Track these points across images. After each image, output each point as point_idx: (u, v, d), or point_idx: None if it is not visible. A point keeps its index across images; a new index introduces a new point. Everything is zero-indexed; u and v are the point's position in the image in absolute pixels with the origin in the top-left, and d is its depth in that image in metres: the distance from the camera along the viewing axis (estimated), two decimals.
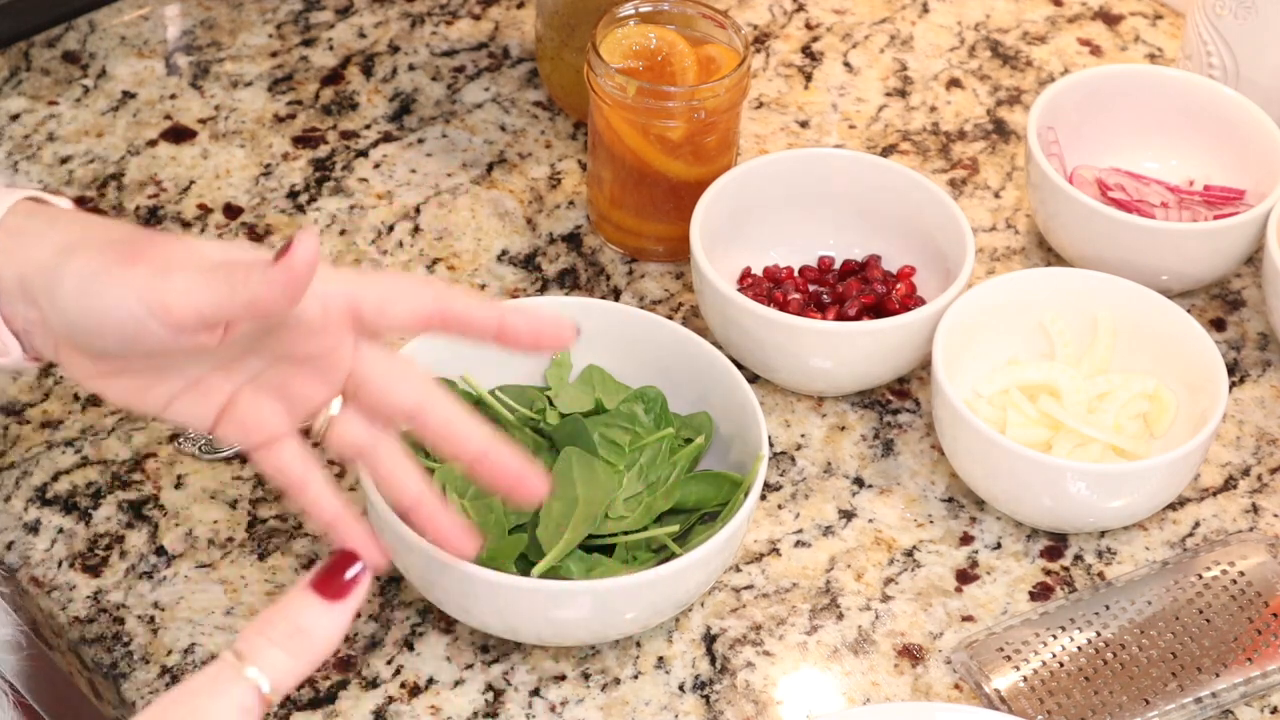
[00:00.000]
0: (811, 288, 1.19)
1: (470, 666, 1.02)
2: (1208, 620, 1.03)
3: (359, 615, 1.04)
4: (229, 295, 0.83)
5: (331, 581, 0.76)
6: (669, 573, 0.97)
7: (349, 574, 0.77)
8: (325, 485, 0.89)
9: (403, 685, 1.01)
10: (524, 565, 1.00)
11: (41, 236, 0.86)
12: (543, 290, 1.20)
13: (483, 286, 1.20)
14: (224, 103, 1.30)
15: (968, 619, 1.05)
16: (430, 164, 1.27)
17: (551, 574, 0.99)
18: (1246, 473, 1.13)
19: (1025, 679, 1.01)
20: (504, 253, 1.22)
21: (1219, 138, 1.24)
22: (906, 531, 1.09)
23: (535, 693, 1.01)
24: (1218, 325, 1.21)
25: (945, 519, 1.10)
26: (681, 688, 1.02)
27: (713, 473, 1.05)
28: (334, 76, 1.33)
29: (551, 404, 1.07)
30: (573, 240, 1.23)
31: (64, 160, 1.26)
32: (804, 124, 1.31)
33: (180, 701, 0.74)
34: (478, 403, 1.07)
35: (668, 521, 1.04)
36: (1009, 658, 1.02)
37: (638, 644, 1.03)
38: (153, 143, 1.27)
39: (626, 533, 1.02)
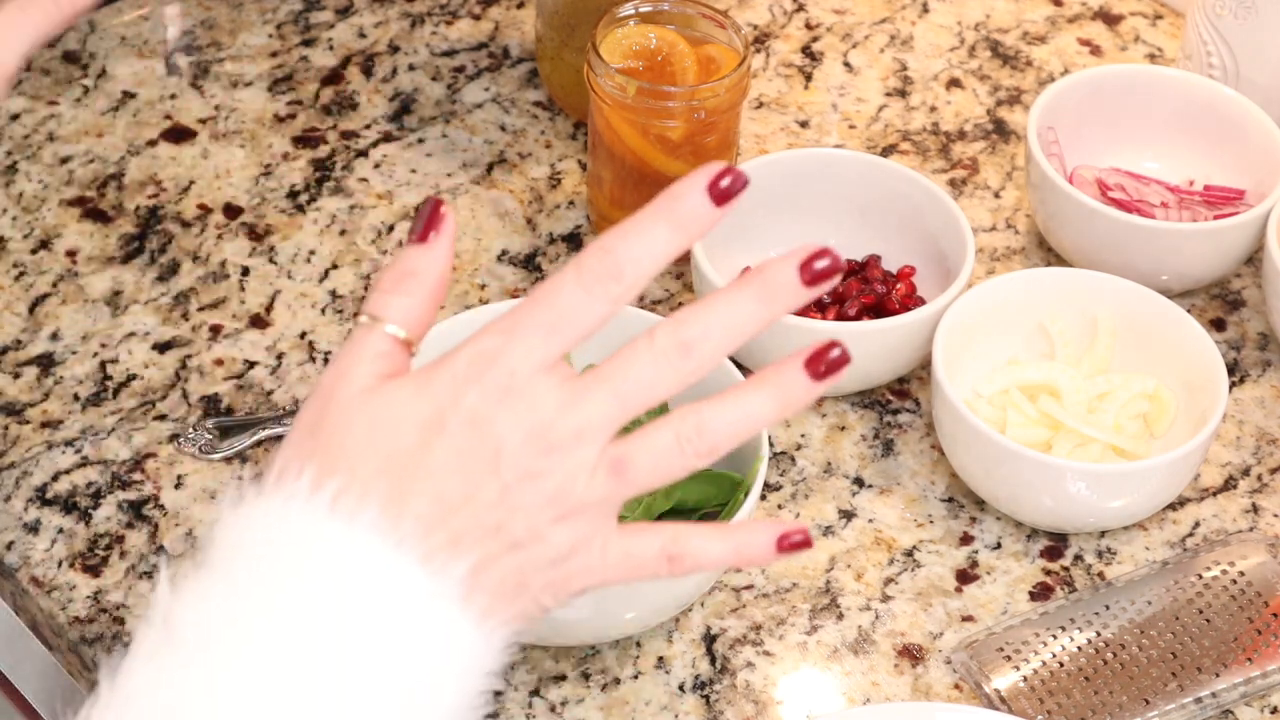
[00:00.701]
0: None
1: None
2: (1208, 620, 1.03)
3: None
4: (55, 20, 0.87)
5: (425, 226, 0.76)
6: None
7: (440, 213, 0.76)
8: None
9: None
10: None
11: None
12: None
13: (483, 286, 1.20)
14: (224, 103, 1.30)
15: (968, 619, 1.05)
16: (430, 164, 1.27)
17: None
18: (1246, 473, 1.13)
19: (1025, 679, 1.01)
20: (504, 253, 1.22)
21: (1219, 138, 1.24)
22: (906, 531, 1.09)
23: (535, 693, 1.01)
24: (1218, 325, 1.21)
25: (945, 519, 1.10)
26: (681, 688, 1.02)
27: (713, 472, 1.05)
28: (334, 76, 1.33)
29: None
30: (573, 240, 1.23)
31: (64, 160, 1.26)
32: (804, 124, 1.31)
33: (329, 372, 0.75)
34: None
35: (668, 519, 1.04)
36: (1009, 658, 1.02)
37: (638, 644, 1.03)
38: (153, 143, 1.27)
39: None
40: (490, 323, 0.75)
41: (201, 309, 1.18)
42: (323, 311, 1.18)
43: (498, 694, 1.01)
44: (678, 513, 1.04)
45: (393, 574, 0.71)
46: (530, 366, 0.73)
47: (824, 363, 0.74)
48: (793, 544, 0.75)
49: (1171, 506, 1.11)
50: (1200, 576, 1.05)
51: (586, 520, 0.74)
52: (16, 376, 1.14)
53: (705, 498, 1.04)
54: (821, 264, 0.74)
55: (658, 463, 0.73)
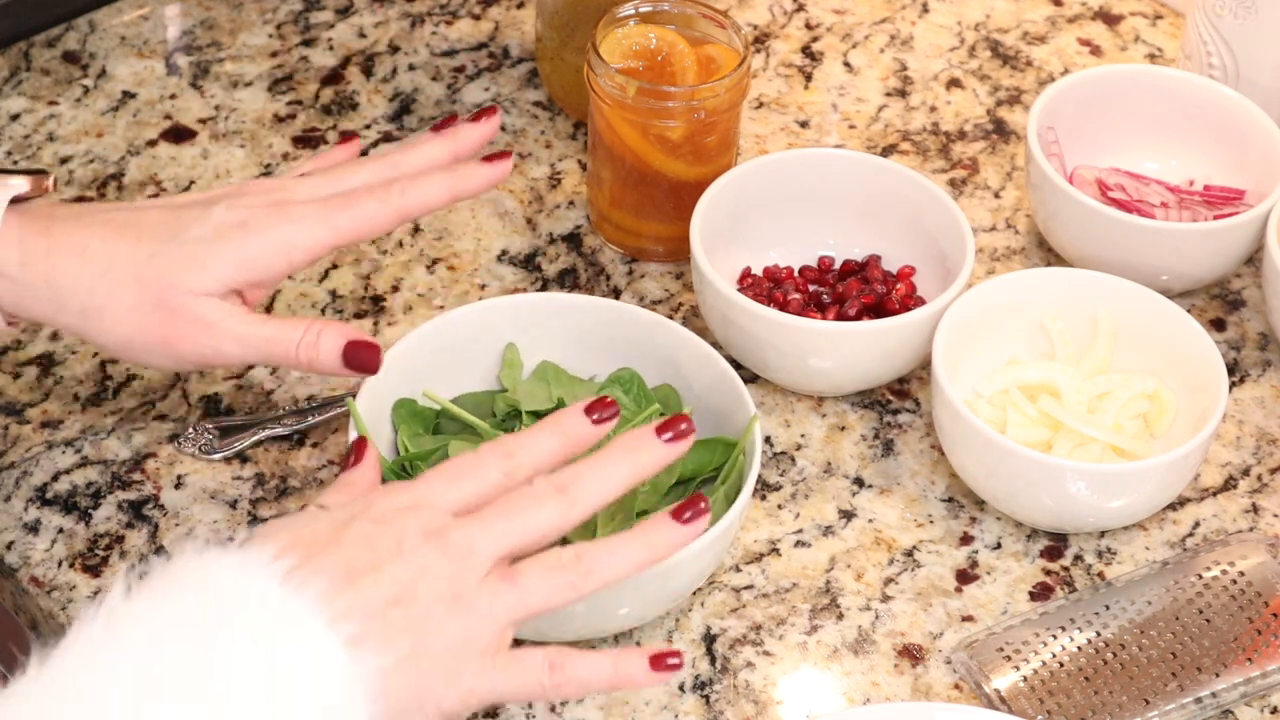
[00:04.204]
0: (811, 288, 1.19)
1: None
2: (1208, 620, 1.03)
3: None
4: (290, 366, 1.00)
5: (354, 459, 0.95)
6: (660, 568, 0.97)
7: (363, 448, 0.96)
8: None
9: None
10: None
11: (32, 288, 0.99)
12: (543, 290, 1.20)
13: (483, 286, 1.20)
14: (224, 103, 1.30)
15: (968, 619, 1.05)
16: None
17: None
18: (1246, 473, 1.13)
19: (1025, 679, 1.01)
20: (504, 253, 1.22)
21: (1219, 138, 1.24)
22: (906, 531, 1.09)
23: None
24: (1218, 325, 1.21)
25: (945, 519, 1.10)
26: (681, 688, 1.02)
27: (706, 439, 1.06)
28: (334, 76, 1.33)
29: (516, 409, 1.07)
30: (573, 240, 1.23)
31: (64, 160, 1.26)
32: (804, 124, 1.31)
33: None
34: (443, 415, 1.07)
35: (673, 494, 1.05)
36: (1009, 658, 1.02)
37: (638, 644, 1.03)
38: (153, 143, 1.27)
39: (642, 513, 1.03)
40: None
41: None
42: (323, 311, 1.18)
43: None
44: (677, 483, 1.05)
45: (308, 640, 0.80)
46: (433, 499, 0.86)
47: (690, 511, 0.88)
48: (668, 665, 0.87)
49: (1171, 506, 1.11)
50: (1200, 576, 1.05)
51: (477, 621, 0.84)
52: (16, 376, 1.14)
53: (701, 464, 1.05)
54: (682, 426, 0.89)
55: (547, 581, 0.85)
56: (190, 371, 1.10)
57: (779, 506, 1.10)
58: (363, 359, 0.99)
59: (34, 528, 1.07)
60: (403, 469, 1.04)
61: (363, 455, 0.92)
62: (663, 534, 0.87)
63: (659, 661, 0.87)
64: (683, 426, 0.89)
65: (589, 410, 0.90)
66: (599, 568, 0.85)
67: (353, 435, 0.98)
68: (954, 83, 1.35)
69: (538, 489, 0.86)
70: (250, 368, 1.14)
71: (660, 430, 0.89)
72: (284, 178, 1.05)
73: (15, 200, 1.00)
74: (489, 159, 1.06)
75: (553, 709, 1.01)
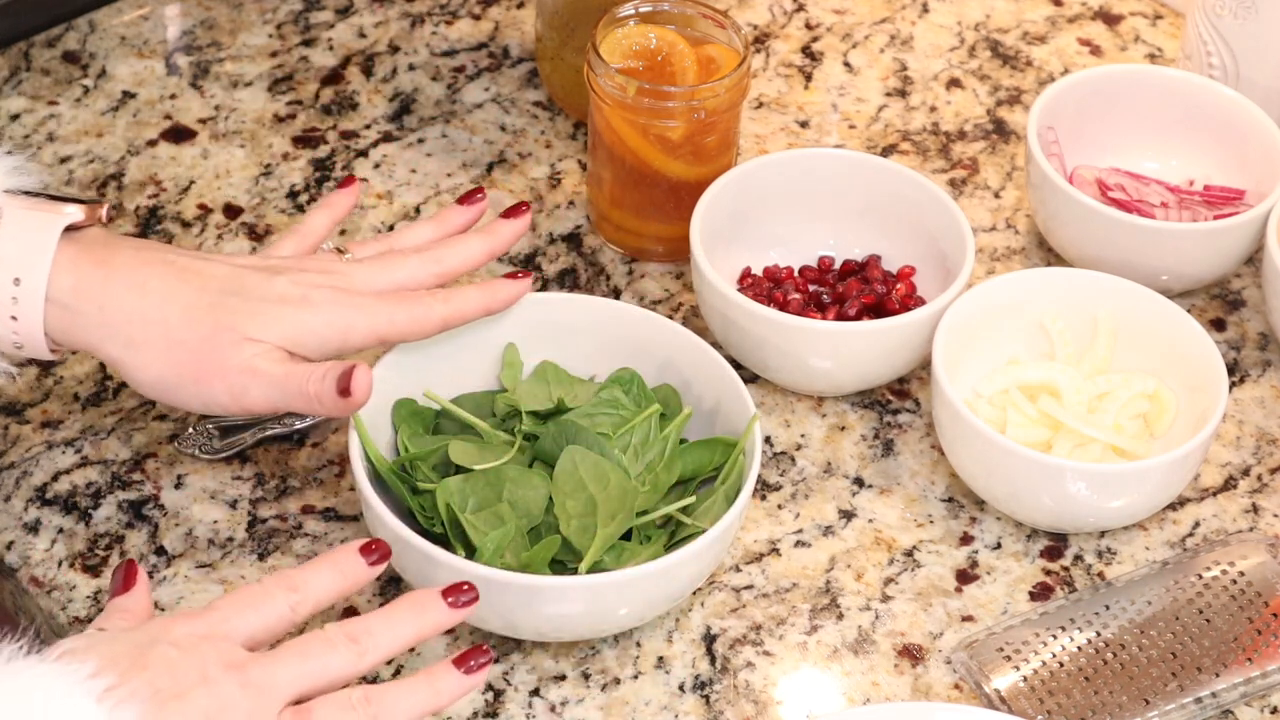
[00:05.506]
0: (811, 288, 1.19)
1: None
2: (1208, 620, 1.03)
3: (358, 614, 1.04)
4: (300, 405, 1.00)
5: (124, 585, 0.94)
6: (659, 568, 0.97)
7: (132, 574, 0.95)
8: None
9: None
10: (558, 568, 1.02)
11: (83, 315, 1.01)
12: (543, 290, 1.20)
13: None
14: (224, 103, 1.30)
15: (968, 619, 1.05)
16: (430, 164, 1.27)
17: (593, 568, 1.00)
18: (1246, 473, 1.13)
19: (1025, 679, 1.01)
20: (504, 253, 1.22)
21: (1219, 138, 1.24)
22: (906, 531, 1.09)
23: (535, 693, 1.01)
24: (1218, 325, 1.21)
25: (945, 519, 1.10)
26: (681, 688, 1.02)
27: (706, 439, 1.06)
28: (334, 76, 1.33)
29: (516, 409, 1.07)
30: (573, 240, 1.23)
31: (64, 160, 1.26)
32: (804, 124, 1.31)
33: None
34: (443, 415, 1.07)
35: (673, 493, 1.05)
36: (1009, 658, 1.02)
37: (638, 644, 1.03)
38: (153, 143, 1.27)
39: (642, 513, 1.03)
40: None
41: None
42: None
43: (498, 694, 1.01)
44: (676, 483, 1.05)
45: None
46: (226, 629, 0.89)
47: (473, 660, 0.91)
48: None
49: (1171, 506, 1.11)
50: (1200, 576, 1.05)
51: None
52: (16, 377, 1.14)
53: (701, 464, 1.05)
54: (464, 587, 0.94)
55: (338, 718, 0.88)
56: (215, 415, 1.10)
57: (779, 506, 1.10)
58: (345, 383, 1.00)
59: (34, 528, 1.07)
60: (403, 469, 1.04)
61: (133, 580, 0.93)
62: (446, 682, 0.91)
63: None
64: (465, 587, 0.94)
65: (364, 551, 0.94)
66: (385, 711, 0.89)
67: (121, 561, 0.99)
68: (954, 83, 1.35)
69: (331, 635, 0.90)
70: None
71: (445, 594, 0.93)
72: (332, 259, 1.07)
73: (69, 229, 1.01)
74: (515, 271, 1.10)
75: (552, 709, 1.01)
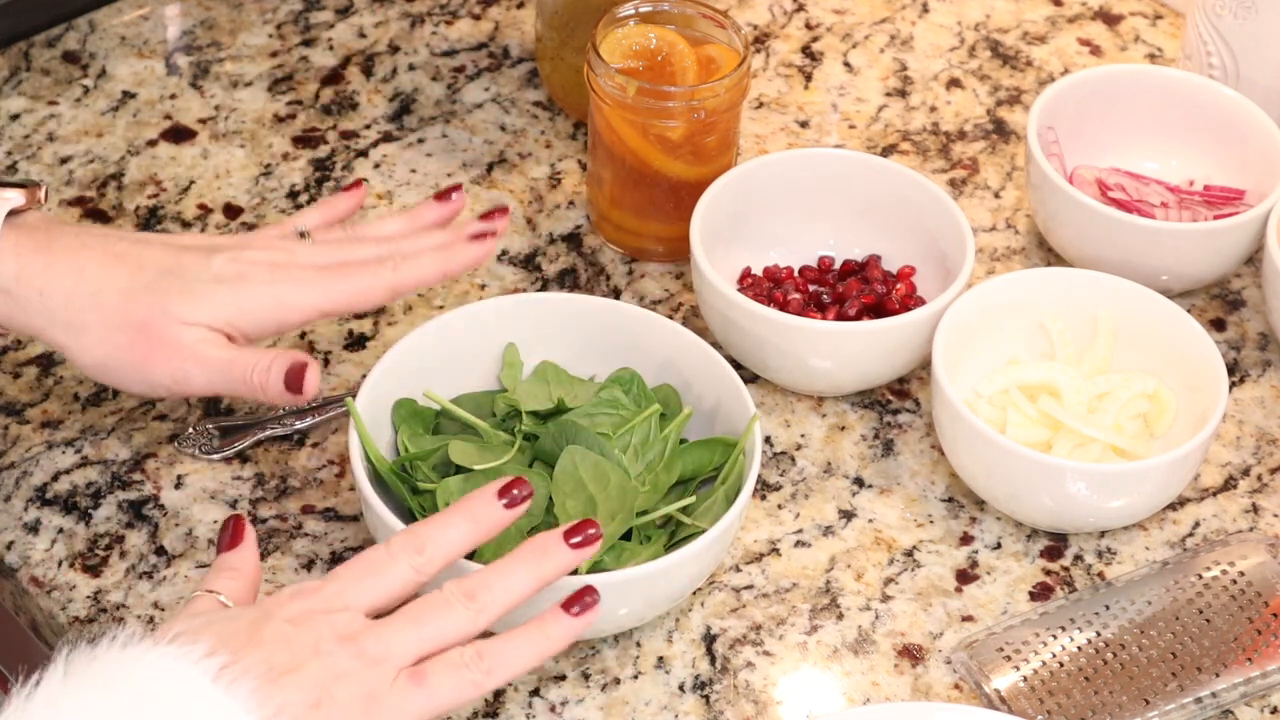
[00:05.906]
0: (811, 288, 1.19)
1: None
2: (1208, 620, 1.03)
3: None
4: (244, 393, 1.02)
5: (232, 540, 0.94)
6: (659, 568, 0.97)
7: (241, 529, 0.95)
8: None
9: None
10: None
11: (25, 301, 1.02)
12: (543, 290, 1.20)
13: (483, 286, 1.20)
14: (224, 103, 1.30)
15: (968, 619, 1.05)
16: (430, 164, 1.27)
17: (593, 568, 1.00)
18: (1246, 473, 1.13)
19: (1025, 679, 1.01)
20: (504, 253, 1.22)
21: (1219, 138, 1.24)
22: (906, 531, 1.09)
23: (535, 693, 1.01)
24: (1218, 325, 1.21)
25: (945, 519, 1.10)
26: (681, 688, 1.02)
27: (706, 439, 1.06)
28: (334, 76, 1.33)
29: (516, 409, 1.07)
30: (573, 240, 1.23)
31: (64, 160, 1.26)
32: (804, 124, 1.31)
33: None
34: (443, 415, 1.07)
35: (673, 493, 1.05)
36: (1009, 658, 1.02)
37: (638, 644, 1.03)
38: (153, 143, 1.27)
39: (642, 513, 1.03)
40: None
41: None
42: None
43: (498, 694, 1.01)
44: (676, 483, 1.05)
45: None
46: (345, 600, 0.88)
47: (579, 604, 0.90)
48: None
49: (1171, 506, 1.11)
50: (1200, 576, 1.05)
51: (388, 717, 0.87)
52: (16, 376, 1.14)
53: (701, 464, 1.05)
54: (590, 531, 0.92)
55: (451, 680, 0.87)
56: (160, 399, 1.11)
57: (779, 506, 1.10)
58: (295, 381, 1.01)
59: (34, 528, 1.07)
60: (403, 469, 1.04)
61: (241, 536, 0.93)
62: (557, 627, 0.90)
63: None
64: (590, 532, 0.92)
65: (501, 493, 0.92)
66: (499, 665, 0.88)
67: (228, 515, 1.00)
68: (954, 83, 1.35)
69: (448, 595, 0.89)
70: None
71: (568, 535, 0.91)
72: (286, 238, 1.07)
73: (10, 213, 1.02)
74: (481, 229, 1.10)
75: (552, 709, 1.01)
